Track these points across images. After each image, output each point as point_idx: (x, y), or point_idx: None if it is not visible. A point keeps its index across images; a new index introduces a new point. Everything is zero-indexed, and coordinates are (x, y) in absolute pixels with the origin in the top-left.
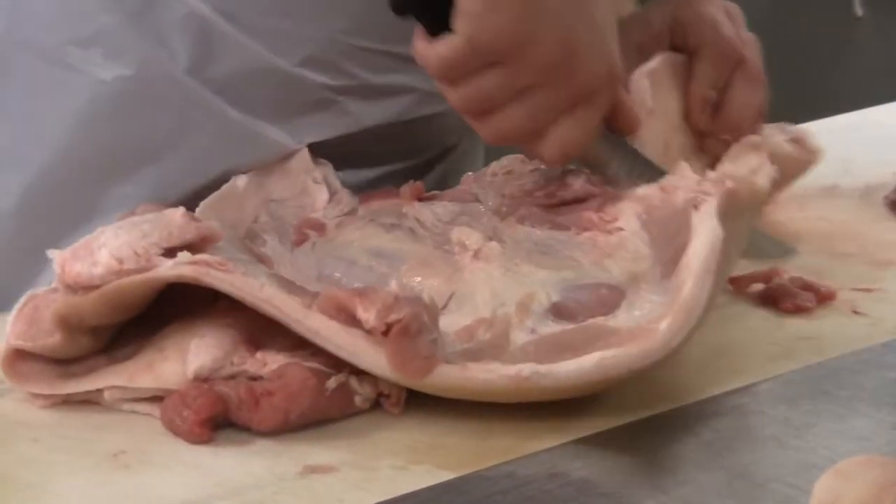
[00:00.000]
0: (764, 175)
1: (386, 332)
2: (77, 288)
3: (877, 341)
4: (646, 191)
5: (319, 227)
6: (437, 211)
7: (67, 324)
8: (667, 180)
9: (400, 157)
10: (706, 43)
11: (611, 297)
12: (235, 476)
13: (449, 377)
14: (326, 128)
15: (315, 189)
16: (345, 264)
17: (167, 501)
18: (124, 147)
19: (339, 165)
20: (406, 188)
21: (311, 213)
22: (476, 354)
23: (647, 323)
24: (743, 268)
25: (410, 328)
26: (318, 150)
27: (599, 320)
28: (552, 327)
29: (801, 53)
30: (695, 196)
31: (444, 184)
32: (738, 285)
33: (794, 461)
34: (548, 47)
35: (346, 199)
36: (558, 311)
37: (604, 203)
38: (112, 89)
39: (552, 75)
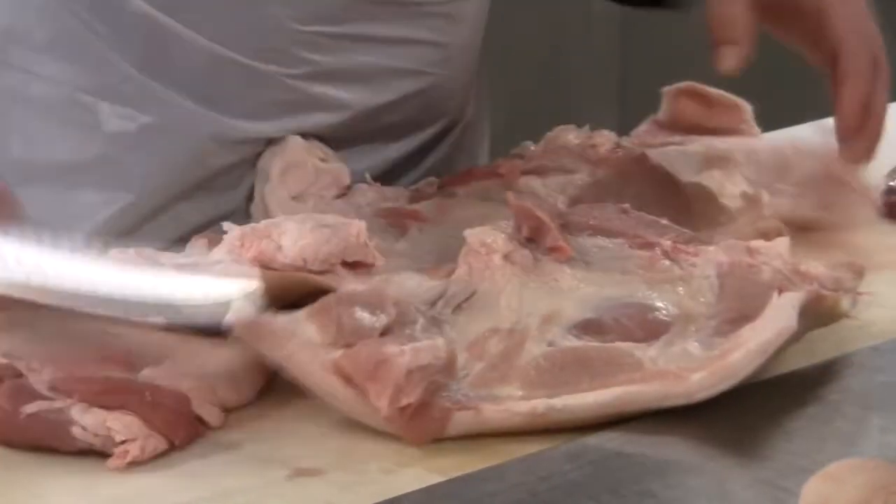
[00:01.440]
0: (849, 298)
1: (399, 413)
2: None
3: (867, 344)
4: (734, 247)
5: (415, 216)
6: (546, 182)
7: None
8: (758, 246)
9: (395, 138)
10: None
11: (654, 326)
12: (224, 480)
13: (464, 424)
14: (308, 119)
15: (327, 170)
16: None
17: None
18: (89, 151)
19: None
20: (507, 164)
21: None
22: (487, 379)
23: (677, 368)
24: None
25: (423, 406)
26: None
27: (628, 346)
28: (573, 342)
29: (793, 55)
30: (784, 281)
31: (452, 162)
32: None
33: (783, 464)
34: None
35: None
36: (586, 327)
37: (686, 239)
38: (63, 93)
39: None
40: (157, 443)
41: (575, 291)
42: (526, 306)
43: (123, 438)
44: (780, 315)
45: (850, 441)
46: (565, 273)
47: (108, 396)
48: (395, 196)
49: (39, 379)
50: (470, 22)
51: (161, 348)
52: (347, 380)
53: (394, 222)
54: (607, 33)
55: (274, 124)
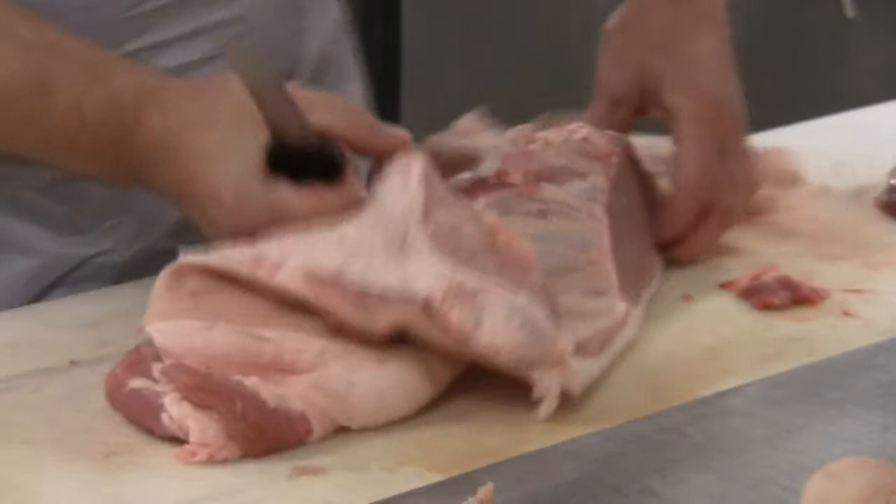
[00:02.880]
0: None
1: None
2: None
3: (868, 343)
4: None
5: None
6: (569, 190)
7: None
8: None
9: None
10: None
11: None
12: (226, 478)
13: None
14: None
15: None
16: None
17: (158, 503)
18: None
19: None
20: (516, 172)
21: None
22: None
23: None
24: (735, 268)
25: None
26: None
27: None
28: None
29: (793, 54)
30: None
31: None
32: (730, 287)
33: (784, 463)
34: None
35: None
36: None
37: None
38: None
39: None
40: (232, 451)
41: None
42: None
43: (197, 441)
44: None
45: (852, 440)
46: None
47: (200, 394)
48: None
49: (157, 361)
50: None
51: (319, 356)
52: None
53: None
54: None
55: None
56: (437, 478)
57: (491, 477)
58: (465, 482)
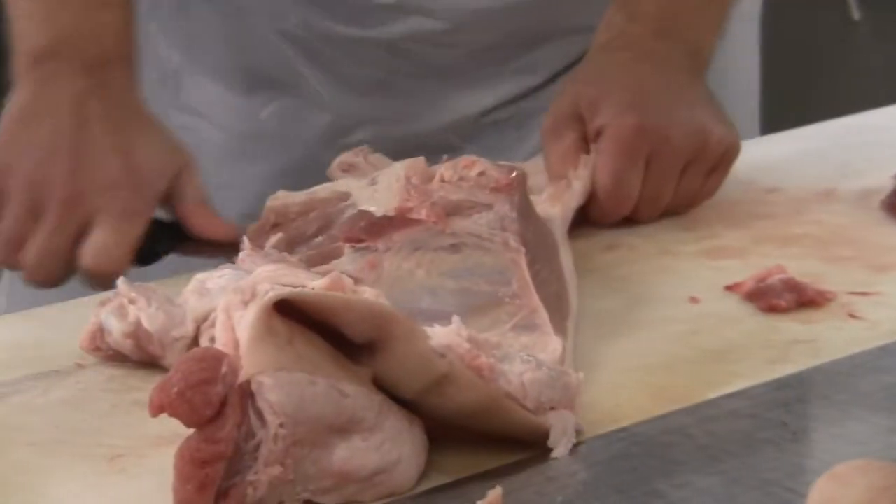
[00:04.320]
0: None
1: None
2: None
3: (874, 345)
4: None
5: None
6: (477, 221)
7: None
8: None
9: (504, 62)
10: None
11: None
12: None
13: None
14: (406, 22)
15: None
16: (427, 295)
17: None
18: None
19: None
20: (421, 209)
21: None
22: None
23: None
24: (740, 271)
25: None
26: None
27: None
28: None
29: (798, 57)
30: None
31: None
32: (736, 289)
33: (790, 465)
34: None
35: None
36: None
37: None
38: None
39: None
40: None
41: None
42: None
43: None
44: None
45: (858, 442)
46: None
47: None
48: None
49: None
50: None
51: (378, 415)
52: None
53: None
54: None
55: (375, 29)
56: (442, 479)
57: (498, 480)
58: (473, 485)
